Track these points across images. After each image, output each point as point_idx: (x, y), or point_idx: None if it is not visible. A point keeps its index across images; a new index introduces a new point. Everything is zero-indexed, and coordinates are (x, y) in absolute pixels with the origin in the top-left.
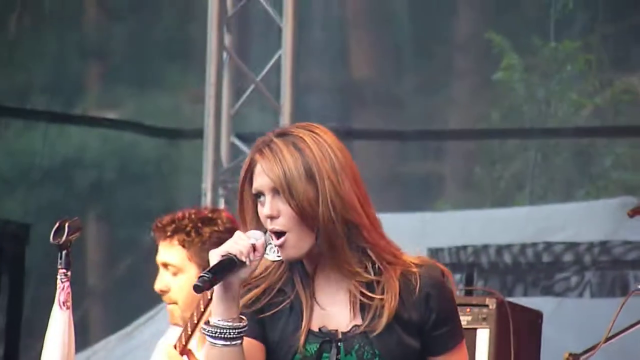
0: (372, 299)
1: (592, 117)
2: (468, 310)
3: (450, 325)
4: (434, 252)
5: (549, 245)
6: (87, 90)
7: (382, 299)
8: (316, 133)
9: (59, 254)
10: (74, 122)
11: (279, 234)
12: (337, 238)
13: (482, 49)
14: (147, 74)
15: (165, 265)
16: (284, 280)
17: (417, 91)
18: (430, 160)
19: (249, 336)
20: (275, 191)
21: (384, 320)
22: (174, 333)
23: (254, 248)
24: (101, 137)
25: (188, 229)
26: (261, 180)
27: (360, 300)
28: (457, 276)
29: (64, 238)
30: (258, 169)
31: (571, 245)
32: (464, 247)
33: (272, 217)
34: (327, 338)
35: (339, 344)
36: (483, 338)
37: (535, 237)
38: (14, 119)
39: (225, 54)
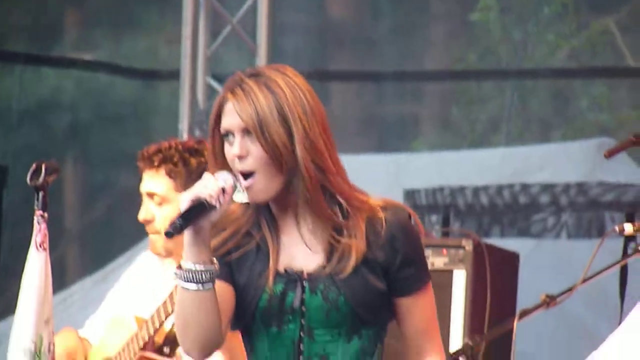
0: (339, 242)
1: (568, 58)
2: (444, 251)
3: (416, 267)
4: (410, 193)
5: (525, 187)
6: (64, 33)
7: (349, 243)
8: (288, 75)
9: (36, 196)
10: (50, 64)
11: (246, 175)
12: (312, 179)
13: None
14: (123, 16)
15: (151, 195)
16: (250, 223)
17: (393, 33)
18: (406, 101)
19: (218, 279)
20: (245, 131)
21: (350, 263)
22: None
23: (223, 191)
24: (77, 79)
25: (175, 159)
26: (231, 120)
27: (329, 242)
28: (434, 217)
29: (40, 180)
30: (228, 108)
31: (548, 187)
32: (441, 189)
33: (240, 157)
34: (292, 278)
35: (304, 283)
36: (460, 279)
37: (511, 179)
38: None
39: None
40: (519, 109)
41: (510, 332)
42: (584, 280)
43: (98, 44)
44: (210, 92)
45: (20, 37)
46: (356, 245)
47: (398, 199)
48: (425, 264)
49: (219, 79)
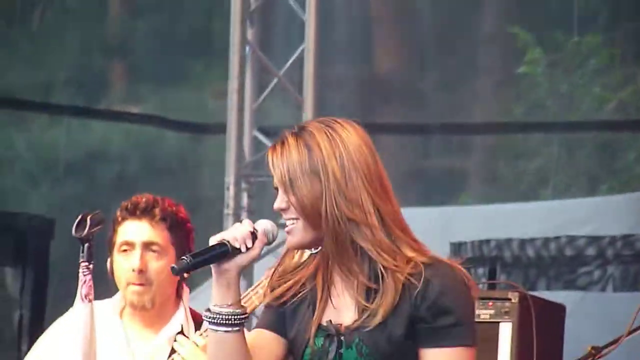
0: (366, 305)
1: (615, 111)
2: (490, 304)
3: (453, 322)
4: (457, 246)
5: (571, 239)
6: (111, 86)
7: (376, 306)
8: (332, 128)
9: (81, 247)
10: (97, 117)
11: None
12: (339, 236)
13: (506, 44)
14: (170, 69)
15: (148, 245)
16: (310, 274)
17: (440, 86)
18: (453, 154)
19: (270, 329)
20: (284, 185)
21: (376, 320)
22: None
23: (252, 235)
24: (124, 131)
25: (177, 216)
26: (274, 175)
27: (357, 302)
28: (480, 270)
29: (85, 231)
30: (270, 164)
31: (594, 239)
32: (487, 241)
33: (282, 210)
34: (330, 331)
35: (341, 337)
36: (506, 332)
37: (558, 231)
38: (38, 113)
39: (248, 48)
40: (565, 162)
41: None
42: (629, 333)
43: (144, 96)
44: (257, 145)
45: (67, 89)
46: (384, 306)
47: (444, 251)
48: (471, 329)
49: (266, 132)
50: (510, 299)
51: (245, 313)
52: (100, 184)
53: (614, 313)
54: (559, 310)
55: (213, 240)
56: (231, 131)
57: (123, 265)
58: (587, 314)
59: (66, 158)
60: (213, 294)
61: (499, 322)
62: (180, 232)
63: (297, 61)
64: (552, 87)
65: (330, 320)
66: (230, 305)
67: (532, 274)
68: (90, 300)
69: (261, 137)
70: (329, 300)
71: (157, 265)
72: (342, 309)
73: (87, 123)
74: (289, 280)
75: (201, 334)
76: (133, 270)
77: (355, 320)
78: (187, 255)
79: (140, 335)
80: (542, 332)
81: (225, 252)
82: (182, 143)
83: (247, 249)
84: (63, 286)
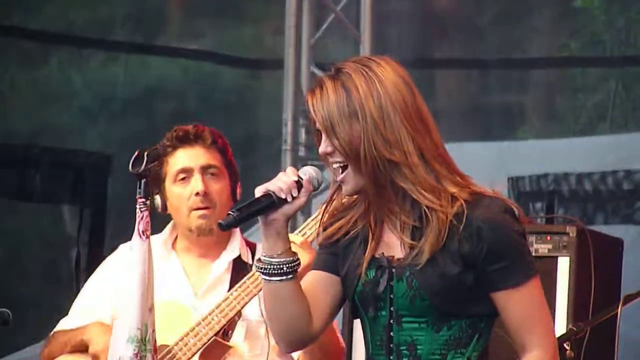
0: (412, 244)
1: None
2: (548, 238)
3: (510, 261)
4: (514, 181)
5: (629, 174)
6: (169, 22)
7: (422, 244)
8: (368, 67)
9: (138, 184)
10: (155, 53)
11: (343, 169)
12: (379, 178)
13: None
14: (227, 5)
15: (206, 168)
16: (360, 212)
17: (497, 20)
18: (511, 90)
19: (324, 270)
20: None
21: (424, 257)
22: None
23: (298, 184)
24: (182, 67)
25: (219, 139)
26: (315, 120)
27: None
28: (538, 204)
29: (142, 167)
30: (311, 109)
31: None
32: (545, 176)
33: (328, 154)
34: (382, 264)
35: (392, 270)
36: (564, 266)
37: (615, 166)
38: (95, 50)
39: None
40: (623, 97)
41: (614, 317)
42: None
43: (202, 33)
44: (315, 81)
45: (125, 26)
46: (430, 245)
47: (502, 186)
48: (526, 259)
49: (323, 68)
50: (568, 233)
51: (297, 260)
52: (158, 121)
53: None
54: (616, 244)
55: (258, 192)
56: (288, 67)
57: (183, 192)
58: None
59: (123, 95)
60: (263, 245)
61: (557, 257)
62: (228, 155)
63: None
64: (609, 21)
65: (383, 253)
66: (280, 254)
67: (589, 208)
68: (147, 237)
69: (319, 73)
70: (381, 236)
71: (218, 187)
72: (393, 245)
73: (144, 60)
74: (340, 219)
75: (297, 233)
76: (197, 194)
77: (406, 256)
78: (234, 210)
79: (197, 267)
80: (600, 266)
81: (272, 203)
82: (240, 79)
83: (293, 198)
84: (120, 223)
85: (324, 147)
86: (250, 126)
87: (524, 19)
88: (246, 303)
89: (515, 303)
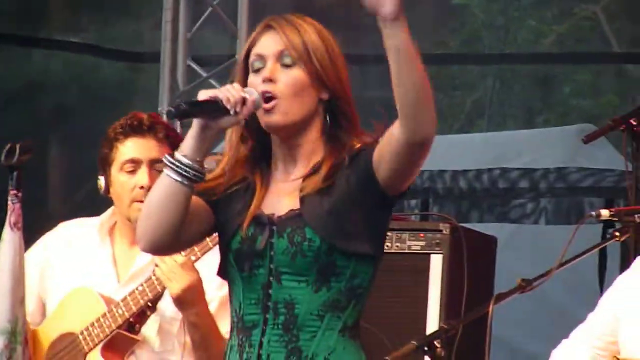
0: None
1: (552, 44)
2: (422, 235)
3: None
4: None
5: (504, 171)
6: (52, 16)
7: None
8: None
9: (10, 175)
10: (37, 46)
11: (269, 99)
12: (344, 110)
13: None
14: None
15: (154, 163)
16: (249, 167)
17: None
18: (389, 85)
19: (200, 196)
20: (279, 58)
21: (316, 180)
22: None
23: (243, 101)
24: (64, 61)
25: (171, 132)
26: (269, 45)
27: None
28: (413, 202)
29: (15, 159)
30: (269, 35)
31: (527, 172)
32: (420, 173)
33: (270, 80)
34: (262, 221)
35: (272, 227)
36: (437, 263)
37: (491, 163)
38: None
39: None
40: (502, 95)
41: (486, 316)
42: (561, 265)
43: (85, 27)
44: (191, 75)
45: (8, 19)
46: (322, 172)
47: None
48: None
49: (200, 62)
50: (441, 230)
51: (204, 174)
52: (39, 115)
53: (547, 246)
54: (490, 242)
55: (203, 94)
56: (165, 61)
57: (128, 183)
58: (519, 246)
59: (4, 87)
60: (184, 144)
61: (430, 254)
62: (170, 144)
63: None
64: (489, 20)
65: (263, 211)
66: (194, 160)
67: (464, 207)
68: (18, 229)
69: (195, 67)
70: (268, 193)
71: None
72: (278, 201)
73: (27, 53)
74: (232, 169)
75: (181, 253)
76: (141, 188)
77: (292, 209)
78: (184, 102)
79: (126, 255)
80: (473, 264)
81: (217, 108)
82: (119, 72)
83: (235, 113)
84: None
85: (268, 72)
86: None
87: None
88: (150, 299)
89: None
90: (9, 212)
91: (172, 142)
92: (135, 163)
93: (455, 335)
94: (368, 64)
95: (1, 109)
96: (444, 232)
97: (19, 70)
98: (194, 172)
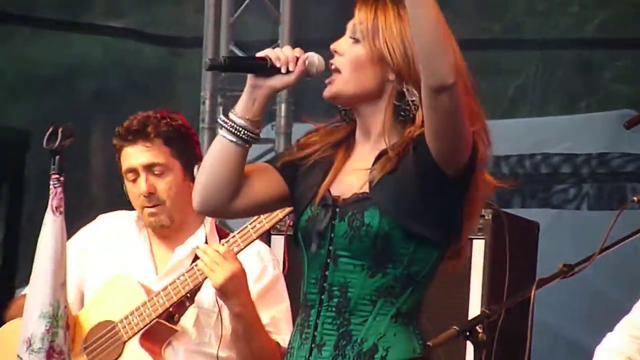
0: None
1: (594, 30)
2: None
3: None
4: None
5: (547, 157)
6: (92, 0)
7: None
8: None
9: (52, 159)
10: (78, 31)
11: (334, 71)
12: (382, 91)
13: None
14: None
15: (150, 167)
16: (335, 142)
17: None
18: None
19: (277, 168)
20: (352, 31)
21: (385, 169)
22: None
23: (297, 60)
24: (105, 46)
25: (166, 127)
26: (352, 19)
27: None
28: None
29: (57, 143)
30: (357, 9)
31: (569, 157)
32: None
33: (335, 52)
34: (328, 202)
35: (336, 209)
36: (479, 248)
37: (533, 149)
38: (20, 26)
39: None
40: (543, 80)
41: (528, 300)
42: (602, 251)
43: (125, 11)
44: None
45: (49, 3)
46: (385, 169)
47: None
48: None
49: (242, 47)
50: (484, 216)
51: (257, 134)
52: (80, 100)
53: (589, 231)
54: (532, 227)
55: (258, 53)
56: (208, 45)
57: (133, 192)
58: (561, 232)
59: (47, 72)
60: (238, 104)
61: (472, 239)
62: (180, 141)
63: None
64: (530, 5)
65: (330, 192)
66: (247, 119)
67: (506, 191)
68: (60, 213)
69: (237, 52)
70: (342, 172)
71: (163, 184)
72: (348, 182)
73: (67, 37)
74: (316, 142)
75: (223, 243)
76: (143, 196)
77: (356, 193)
78: (225, 57)
79: (163, 248)
80: (515, 249)
81: (263, 65)
82: (161, 57)
83: (287, 72)
84: (38, 199)
85: (335, 45)
86: (171, 104)
87: (447, 1)
88: (191, 289)
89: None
90: (50, 196)
91: (167, 137)
92: (134, 172)
93: (497, 320)
94: None
95: (42, 94)
96: (487, 217)
97: (59, 55)
98: (244, 131)
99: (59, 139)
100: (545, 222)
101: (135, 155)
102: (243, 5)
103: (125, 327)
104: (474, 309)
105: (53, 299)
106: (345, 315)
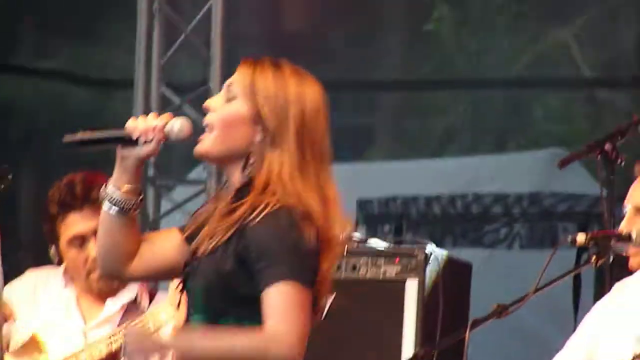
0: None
1: (523, 69)
2: (397, 260)
3: (268, 262)
4: (363, 203)
5: (478, 197)
6: (22, 40)
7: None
8: (302, 79)
9: None
10: (8, 72)
11: (207, 128)
12: (241, 152)
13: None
14: (82, 25)
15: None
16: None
17: (348, 43)
18: (361, 111)
19: (181, 232)
20: (227, 89)
21: (207, 248)
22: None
23: (153, 130)
24: (35, 87)
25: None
26: (237, 78)
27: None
28: (387, 227)
29: None
30: (242, 68)
31: (501, 197)
32: (394, 199)
33: (208, 109)
34: (189, 260)
35: (192, 266)
36: (412, 289)
37: (464, 189)
38: None
39: (156, 4)
40: (473, 120)
41: (462, 341)
42: (536, 290)
43: (56, 52)
44: (164, 101)
45: None
46: (217, 237)
47: (351, 208)
48: (282, 261)
49: (174, 88)
50: (416, 256)
51: (133, 202)
52: (9, 141)
53: (521, 271)
54: (465, 267)
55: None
56: (138, 86)
57: (79, 258)
58: (493, 271)
59: None
60: (113, 174)
61: (405, 280)
62: None
63: (205, 17)
64: (460, 45)
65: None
66: (122, 190)
67: (438, 232)
68: None
69: (168, 93)
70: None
71: None
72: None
73: None
74: (208, 209)
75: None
76: (94, 261)
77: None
78: (86, 131)
79: (91, 301)
80: (448, 289)
81: (122, 138)
82: (91, 99)
83: (145, 142)
84: None
85: (211, 101)
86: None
87: (374, 41)
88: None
89: (268, 301)
90: None
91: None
92: (82, 238)
93: None
94: (338, 90)
95: None
96: (419, 257)
97: None
98: (121, 203)
99: None
100: (477, 261)
101: (84, 223)
102: (174, 47)
103: None
104: (408, 349)
105: None
106: None
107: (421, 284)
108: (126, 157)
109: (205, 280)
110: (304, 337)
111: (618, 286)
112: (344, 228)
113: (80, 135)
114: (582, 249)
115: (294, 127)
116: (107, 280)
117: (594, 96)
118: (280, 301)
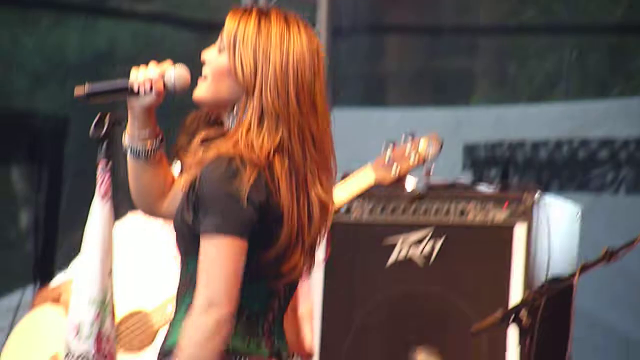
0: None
1: (628, 13)
2: (505, 204)
3: (204, 211)
4: (470, 148)
5: (584, 142)
6: None
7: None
8: (289, 25)
9: (99, 146)
10: (104, 16)
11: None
12: (227, 102)
13: None
14: None
15: None
16: None
17: None
18: (463, 55)
19: None
20: (222, 42)
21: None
22: None
23: (151, 82)
24: (133, 31)
25: None
26: (224, 30)
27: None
28: (493, 171)
29: (104, 130)
30: (228, 21)
31: (607, 142)
32: (500, 144)
33: (203, 62)
34: None
35: None
36: (521, 233)
37: (570, 133)
38: (45, 11)
39: None
40: (576, 65)
41: (571, 286)
42: None
43: None
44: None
45: None
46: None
47: (457, 153)
48: (215, 212)
49: None
50: (525, 201)
51: (151, 147)
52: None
53: (627, 216)
54: (572, 211)
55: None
56: None
57: None
58: (599, 216)
59: (74, 59)
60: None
61: (513, 225)
62: None
63: None
64: None
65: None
66: (137, 137)
67: (544, 177)
68: (108, 199)
69: None
70: None
71: None
72: None
73: (96, 22)
74: None
75: None
76: None
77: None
78: (91, 84)
79: None
80: (556, 233)
81: (125, 89)
82: (191, 42)
83: (145, 92)
84: (76, 184)
85: (207, 52)
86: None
87: None
88: None
89: (200, 253)
90: (98, 183)
91: None
92: None
93: (539, 305)
94: (440, 34)
95: (70, 80)
96: (527, 202)
97: (88, 40)
98: (133, 148)
99: (106, 126)
100: (583, 206)
101: None
102: None
103: (157, 316)
104: (516, 294)
105: (102, 286)
106: None
107: (529, 229)
108: (132, 107)
109: (175, 221)
110: (230, 291)
111: None
112: (329, 184)
113: (88, 88)
114: None
115: (272, 78)
116: None
117: None
118: (205, 258)
